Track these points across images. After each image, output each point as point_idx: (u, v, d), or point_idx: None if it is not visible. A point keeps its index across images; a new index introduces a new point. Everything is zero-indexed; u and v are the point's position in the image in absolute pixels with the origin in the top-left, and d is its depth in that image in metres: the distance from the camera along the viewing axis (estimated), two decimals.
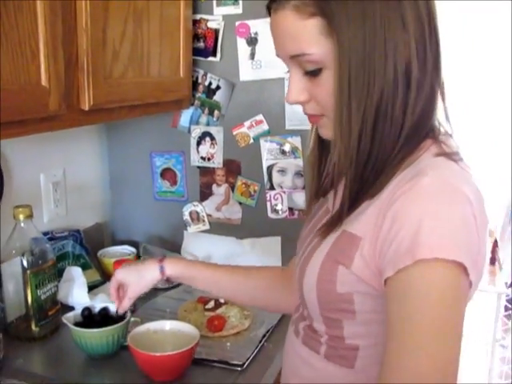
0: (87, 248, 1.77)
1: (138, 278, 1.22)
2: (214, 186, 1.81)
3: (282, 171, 1.71)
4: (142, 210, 1.93)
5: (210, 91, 1.74)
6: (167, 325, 1.31)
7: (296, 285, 0.95)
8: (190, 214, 1.85)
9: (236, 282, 1.20)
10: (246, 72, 1.68)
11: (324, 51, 0.79)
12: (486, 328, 3.08)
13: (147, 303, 1.59)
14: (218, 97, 1.73)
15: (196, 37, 1.70)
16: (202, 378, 1.24)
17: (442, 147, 0.82)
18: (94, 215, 1.97)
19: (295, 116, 1.64)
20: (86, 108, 1.23)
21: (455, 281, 0.72)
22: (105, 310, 1.37)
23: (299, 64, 0.82)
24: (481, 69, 2.74)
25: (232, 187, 1.78)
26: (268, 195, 1.74)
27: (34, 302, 1.36)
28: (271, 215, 1.75)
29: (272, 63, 1.62)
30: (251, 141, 1.73)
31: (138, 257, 1.80)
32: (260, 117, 1.70)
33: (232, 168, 1.77)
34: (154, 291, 1.69)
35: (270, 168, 1.72)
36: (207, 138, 1.77)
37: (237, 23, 1.66)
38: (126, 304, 1.25)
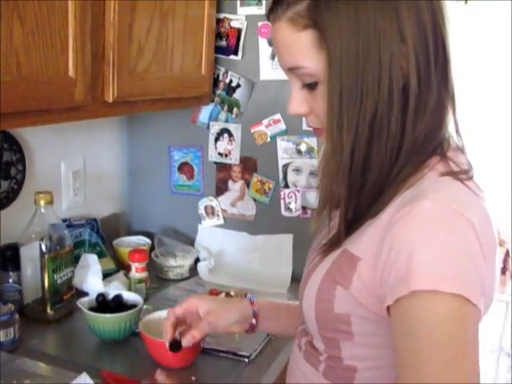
0: (103, 237, 1.81)
1: (225, 308, 1.11)
2: (230, 182, 1.84)
3: (297, 170, 1.74)
4: (158, 202, 1.96)
5: (230, 89, 1.76)
6: None
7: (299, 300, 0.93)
8: (205, 208, 1.88)
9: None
10: (267, 72, 1.71)
11: (317, 64, 0.76)
12: (493, 336, 3.07)
13: (159, 293, 1.63)
14: (237, 95, 1.76)
15: (219, 35, 1.73)
16: (210, 367, 1.27)
17: (449, 165, 0.77)
18: (111, 205, 2.00)
19: None
20: (110, 100, 1.27)
21: (458, 310, 0.67)
22: (118, 297, 1.40)
23: (297, 76, 0.80)
24: (481, 69, 2.71)
25: (247, 184, 1.81)
26: (282, 193, 1.77)
27: (50, 286, 1.40)
28: (284, 213, 1.78)
29: None
30: (268, 139, 1.75)
31: (152, 248, 1.83)
32: (278, 116, 1.72)
33: (248, 165, 1.80)
34: (166, 282, 1.74)
35: (285, 167, 1.75)
36: (225, 135, 1.80)
37: (259, 23, 1.68)
38: (205, 327, 1.07)
